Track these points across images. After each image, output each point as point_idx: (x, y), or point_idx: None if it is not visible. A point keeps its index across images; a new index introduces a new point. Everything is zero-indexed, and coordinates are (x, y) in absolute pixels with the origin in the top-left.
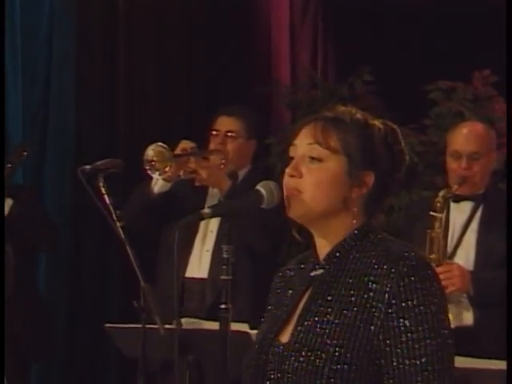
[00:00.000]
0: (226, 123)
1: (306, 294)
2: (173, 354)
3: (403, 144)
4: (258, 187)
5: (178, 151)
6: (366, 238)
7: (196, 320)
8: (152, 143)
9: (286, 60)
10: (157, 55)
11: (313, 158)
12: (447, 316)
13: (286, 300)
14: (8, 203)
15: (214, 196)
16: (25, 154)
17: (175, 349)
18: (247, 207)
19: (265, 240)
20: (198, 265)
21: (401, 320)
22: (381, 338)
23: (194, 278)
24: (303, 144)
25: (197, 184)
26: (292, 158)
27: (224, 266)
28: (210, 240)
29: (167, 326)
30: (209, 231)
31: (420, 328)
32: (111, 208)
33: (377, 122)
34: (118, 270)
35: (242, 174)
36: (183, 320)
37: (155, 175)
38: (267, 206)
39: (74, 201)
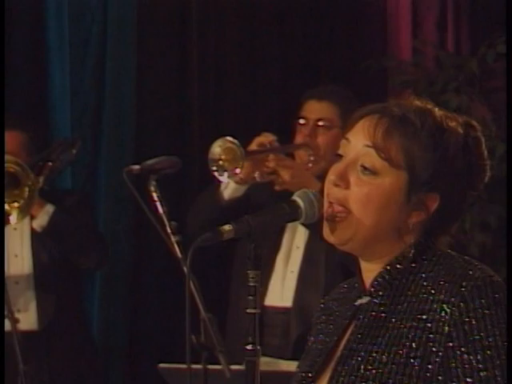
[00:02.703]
0: (316, 109)
1: (349, 328)
2: None
3: (486, 154)
4: (295, 197)
5: (252, 147)
6: (422, 257)
7: (275, 360)
8: (222, 137)
9: (406, 29)
10: (238, 21)
11: (366, 168)
12: None
13: (327, 336)
14: (48, 210)
15: None
16: (74, 151)
17: None
18: (280, 222)
19: None
20: (281, 290)
21: (465, 356)
22: (441, 378)
23: (276, 307)
24: (358, 143)
25: (277, 188)
26: (341, 157)
27: (250, 297)
28: (295, 258)
29: (235, 367)
30: (294, 247)
31: (490, 365)
32: (165, 218)
33: (455, 125)
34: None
35: None
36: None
37: (223, 177)
38: (306, 220)
39: (134, 209)
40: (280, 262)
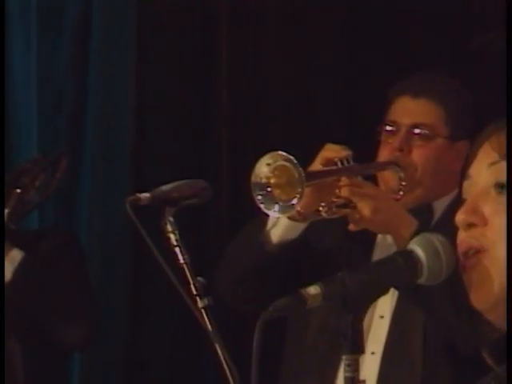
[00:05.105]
0: (410, 111)
1: None
2: None
3: None
4: (413, 246)
5: (316, 166)
6: None
7: None
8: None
9: None
10: None
11: (502, 187)
12: None
13: None
14: (13, 258)
15: (385, 249)
16: (57, 175)
17: None
18: (390, 283)
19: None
20: None
21: None
22: None
23: None
24: (482, 169)
25: (352, 228)
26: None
27: None
28: (378, 333)
29: None
30: (376, 317)
31: None
32: (187, 271)
33: None
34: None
35: (440, 206)
36: None
37: (273, 211)
38: (428, 280)
39: (133, 257)
40: None
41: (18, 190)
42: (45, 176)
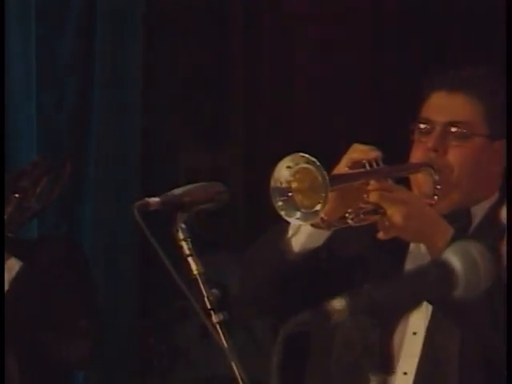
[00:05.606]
0: (445, 107)
1: None
2: None
3: None
4: (448, 255)
5: (342, 168)
6: None
7: None
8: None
9: None
10: None
11: None
12: None
13: None
14: (11, 267)
15: (419, 260)
16: (61, 181)
17: None
18: (422, 297)
19: None
20: None
21: None
22: None
23: None
24: None
25: (381, 236)
26: None
27: None
28: (410, 352)
29: None
30: (408, 333)
31: None
32: (201, 284)
33: None
34: None
35: (479, 211)
36: None
37: (295, 218)
38: (465, 293)
39: (141, 265)
40: None
41: (17, 195)
42: (46, 181)
